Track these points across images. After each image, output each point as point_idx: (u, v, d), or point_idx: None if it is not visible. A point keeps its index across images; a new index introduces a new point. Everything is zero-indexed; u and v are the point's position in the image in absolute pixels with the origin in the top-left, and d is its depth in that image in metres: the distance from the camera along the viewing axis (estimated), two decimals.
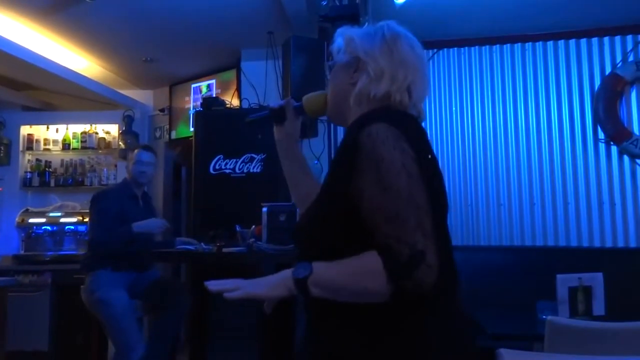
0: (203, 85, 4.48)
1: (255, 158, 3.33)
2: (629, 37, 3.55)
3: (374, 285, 0.93)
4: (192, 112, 4.35)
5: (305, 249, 1.11)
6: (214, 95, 4.20)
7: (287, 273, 1.00)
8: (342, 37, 1.19)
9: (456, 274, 1.10)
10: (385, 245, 0.92)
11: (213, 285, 1.04)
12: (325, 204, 1.07)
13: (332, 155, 3.85)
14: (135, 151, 3.18)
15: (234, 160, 3.36)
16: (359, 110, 1.12)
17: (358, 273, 0.95)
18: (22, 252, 4.29)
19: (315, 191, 1.21)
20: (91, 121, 4.67)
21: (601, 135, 3.53)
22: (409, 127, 1.05)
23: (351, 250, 0.97)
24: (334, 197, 1.04)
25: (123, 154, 4.52)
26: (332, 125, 3.67)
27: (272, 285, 1.01)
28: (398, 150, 0.96)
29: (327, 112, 1.24)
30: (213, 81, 4.41)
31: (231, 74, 4.20)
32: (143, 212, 3.12)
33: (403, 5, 2.99)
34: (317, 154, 3.56)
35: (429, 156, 1.07)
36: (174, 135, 4.65)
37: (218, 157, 3.37)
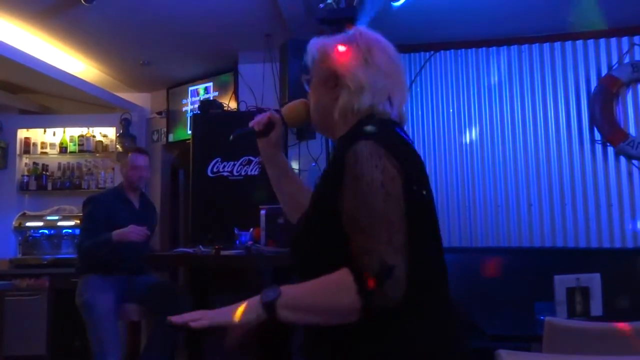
0: (200, 88, 4.49)
1: (253, 161, 3.34)
2: (625, 39, 3.57)
3: (345, 300, 0.94)
4: (189, 115, 4.35)
5: (300, 261, 1.12)
6: (212, 98, 4.20)
7: (255, 298, 0.99)
8: (317, 51, 1.20)
9: (445, 278, 1.10)
10: (356, 258, 0.95)
11: (176, 318, 1.04)
12: (316, 216, 1.09)
13: (330, 158, 3.86)
14: (129, 155, 3.16)
15: (232, 162, 3.36)
16: (345, 123, 1.13)
17: (328, 289, 0.97)
18: (19, 255, 4.28)
19: (300, 194, 1.27)
20: (88, 124, 4.66)
21: (597, 136, 3.55)
22: (395, 139, 1.08)
23: (342, 262, 0.97)
24: (324, 210, 1.06)
25: (120, 157, 4.52)
26: None
27: (240, 312, 0.98)
28: (379, 169, 0.99)
29: (313, 124, 1.26)
30: (210, 84, 4.41)
31: (228, 77, 4.21)
32: (137, 216, 3.08)
33: (400, 7, 3.00)
34: (315, 156, 3.56)
35: (416, 163, 1.10)
36: (171, 138, 4.65)
37: (216, 159, 3.37)
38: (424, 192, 1.07)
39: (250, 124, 1.32)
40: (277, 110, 1.35)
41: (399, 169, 1.00)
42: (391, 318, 0.98)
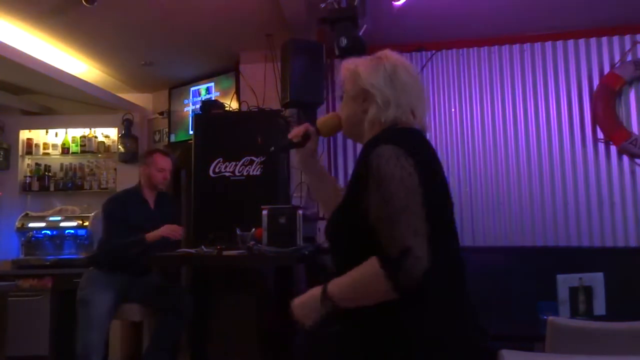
0: (202, 88, 4.49)
1: (254, 161, 3.33)
2: (627, 37, 3.55)
3: (377, 285, 1.12)
4: (191, 115, 4.35)
5: (335, 249, 1.34)
6: (213, 98, 4.20)
7: (316, 295, 1.23)
8: (348, 70, 1.38)
9: (461, 273, 1.27)
10: (380, 248, 1.13)
11: None
12: (346, 211, 1.28)
13: (332, 155, 3.85)
14: (154, 156, 3.14)
15: (234, 163, 3.36)
16: (372, 132, 1.32)
17: (363, 278, 1.16)
18: (22, 256, 4.28)
19: (338, 196, 1.43)
20: (90, 125, 4.67)
21: (600, 135, 3.54)
22: (413, 142, 1.25)
23: (365, 248, 1.16)
24: (352, 206, 1.24)
25: (123, 158, 4.53)
26: None
27: (305, 310, 1.24)
28: (399, 167, 1.16)
29: (344, 132, 1.45)
30: (212, 84, 4.41)
31: (230, 77, 4.20)
32: (151, 216, 3.08)
33: (401, 7, 2.99)
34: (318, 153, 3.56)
35: (432, 162, 1.27)
36: (173, 138, 4.65)
37: (217, 160, 3.37)
38: (440, 188, 1.25)
39: (289, 136, 1.49)
40: (312, 124, 1.51)
41: (415, 167, 1.17)
42: (405, 302, 1.13)
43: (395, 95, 1.29)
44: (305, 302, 1.23)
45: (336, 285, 1.20)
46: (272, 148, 1.62)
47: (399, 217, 1.12)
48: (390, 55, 1.37)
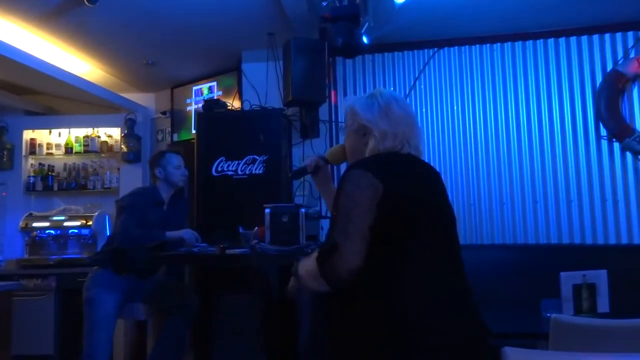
0: (204, 87, 4.49)
1: (257, 160, 3.34)
2: (630, 34, 3.54)
3: (310, 271, 1.36)
4: (194, 114, 4.36)
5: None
6: (216, 97, 4.21)
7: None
8: (349, 108, 1.57)
9: (438, 271, 1.35)
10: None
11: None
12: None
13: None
14: (167, 155, 3.12)
15: (236, 162, 3.36)
16: None
17: (308, 264, 1.39)
18: (26, 256, 4.30)
19: None
20: (93, 125, 4.68)
21: (603, 132, 3.52)
22: (385, 165, 1.41)
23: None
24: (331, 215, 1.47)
25: (126, 157, 4.54)
26: (333, 127, 3.70)
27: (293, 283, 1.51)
28: (355, 186, 1.35)
29: (348, 161, 1.63)
30: (214, 83, 4.42)
31: (232, 76, 4.21)
32: (165, 218, 3.06)
33: (403, 5, 2.99)
34: (318, 154, 3.56)
35: (406, 181, 1.40)
36: (176, 137, 4.66)
37: (220, 159, 3.38)
38: (411, 205, 1.36)
39: (305, 163, 1.80)
40: (321, 156, 1.80)
41: (375, 187, 1.32)
42: (355, 297, 1.31)
43: (390, 127, 1.46)
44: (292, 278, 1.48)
45: (301, 262, 1.45)
46: (290, 174, 1.93)
47: (338, 221, 1.34)
48: (383, 91, 1.54)
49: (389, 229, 1.31)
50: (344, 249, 1.28)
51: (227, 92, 4.27)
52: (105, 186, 4.54)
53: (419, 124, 1.57)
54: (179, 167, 3.11)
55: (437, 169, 1.59)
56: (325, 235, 1.44)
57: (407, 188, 1.38)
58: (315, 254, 1.36)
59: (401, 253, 1.31)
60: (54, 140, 4.67)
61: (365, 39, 3.03)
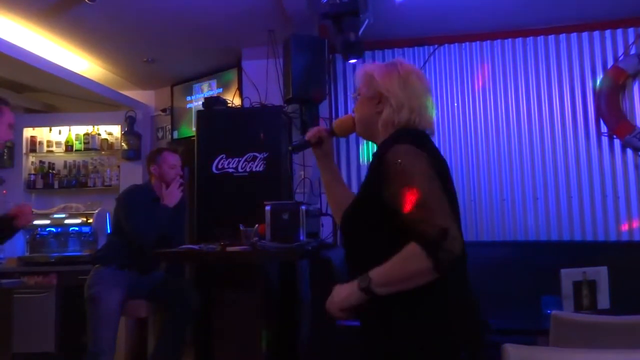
0: (204, 84, 4.49)
1: (257, 157, 3.34)
2: (631, 30, 3.53)
3: (419, 265, 1.19)
4: (194, 111, 4.35)
5: (350, 242, 1.42)
6: (216, 95, 4.20)
7: (353, 286, 1.27)
8: (365, 74, 1.47)
9: (465, 266, 1.36)
10: (417, 230, 1.19)
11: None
12: (363, 206, 1.37)
13: (340, 153, 3.84)
14: (164, 153, 3.13)
15: (237, 159, 3.36)
16: (386, 132, 1.41)
17: (404, 262, 1.21)
18: (27, 253, 4.31)
19: (347, 197, 1.54)
20: (93, 122, 4.68)
21: (604, 128, 3.52)
22: (425, 143, 1.36)
23: (385, 239, 1.28)
24: (370, 200, 1.33)
25: (126, 155, 4.54)
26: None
27: (343, 299, 1.29)
28: (417, 160, 1.27)
29: (357, 131, 1.53)
30: (214, 80, 4.41)
31: (232, 73, 4.20)
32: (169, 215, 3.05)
33: (403, 2, 2.98)
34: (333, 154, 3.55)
35: (442, 162, 1.37)
36: (176, 135, 4.66)
37: (220, 156, 3.38)
38: (447, 184, 1.33)
39: (306, 137, 1.61)
40: (328, 124, 1.60)
41: (429, 161, 1.27)
42: (425, 291, 1.22)
43: (408, 99, 1.39)
44: (345, 297, 1.28)
45: (376, 273, 1.24)
46: (290, 147, 1.69)
47: (430, 202, 1.21)
48: (403, 61, 1.46)
49: None
50: (452, 230, 1.18)
51: (227, 89, 4.27)
52: (106, 184, 4.55)
53: (433, 98, 1.50)
54: (175, 166, 3.11)
55: None
56: (402, 219, 1.23)
57: (444, 171, 1.36)
58: (409, 251, 1.19)
59: None
60: (54, 137, 4.67)
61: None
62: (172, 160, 3.11)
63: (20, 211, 2.47)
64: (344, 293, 1.28)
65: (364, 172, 2.38)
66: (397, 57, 1.58)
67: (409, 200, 1.22)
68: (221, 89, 4.32)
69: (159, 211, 3.00)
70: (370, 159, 1.44)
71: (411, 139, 1.32)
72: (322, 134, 1.58)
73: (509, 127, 3.67)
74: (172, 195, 3.03)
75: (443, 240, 1.17)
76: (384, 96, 1.40)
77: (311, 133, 1.60)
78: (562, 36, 3.64)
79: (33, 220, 2.83)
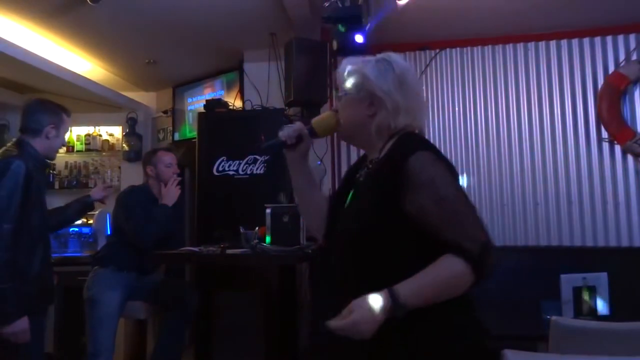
0: (206, 86, 4.49)
1: (258, 159, 3.34)
2: (632, 36, 3.53)
3: (463, 282, 1.14)
4: (195, 113, 4.36)
5: (358, 255, 1.25)
6: (217, 97, 4.21)
7: (381, 305, 1.11)
8: (354, 71, 1.32)
9: None
10: (457, 245, 1.13)
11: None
12: (375, 217, 1.22)
13: (335, 157, 3.84)
14: (159, 154, 3.13)
15: (237, 161, 3.36)
16: (380, 137, 1.30)
17: (447, 279, 1.15)
18: None
19: (322, 202, 1.42)
20: (95, 123, 4.69)
21: (604, 134, 3.52)
22: (438, 150, 1.27)
23: (407, 252, 1.19)
24: (383, 210, 1.21)
25: (127, 156, 4.54)
26: None
27: (374, 317, 1.11)
28: (442, 170, 1.20)
29: (341, 133, 1.39)
30: (216, 82, 4.42)
31: (234, 76, 4.21)
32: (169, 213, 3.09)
33: (405, 6, 2.98)
34: (320, 155, 3.56)
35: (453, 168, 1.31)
36: (177, 137, 4.66)
37: (221, 158, 3.38)
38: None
39: (281, 136, 1.40)
40: (306, 122, 1.43)
41: (452, 170, 1.24)
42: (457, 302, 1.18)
43: (404, 100, 1.27)
44: (369, 318, 1.10)
45: (409, 289, 1.13)
46: (263, 145, 1.45)
47: (466, 215, 1.18)
48: (396, 58, 1.32)
49: None
50: (490, 243, 1.16)
51: (228, 91, 4.27)
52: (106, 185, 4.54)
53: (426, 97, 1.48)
54: (171, 165, 3.11)
55: None
56: (431, 230, 1.16)
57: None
58: (449, 265, 1.13)
59: None
60: None
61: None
62: (168, 159, 3.12)
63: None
64: (373, 316, 1.10)
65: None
66: (387, 52, 1.33)
67: (444, 213, 1.15)
68: (222, 91, 4.33)
69: (158, 211, 3.00)
70: (370, 165, 1.32)
71: (427, 146, 1.25)
72: (303, 133, 1.39)
73: (510, 132, 3.67)
74: (170, 194, 3.04)
75: (487, 255, 1.14)
76: (378, 98, 1.28)
77: (287, 132, 1.40)
78: (564, 42, 3.64)
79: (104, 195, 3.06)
